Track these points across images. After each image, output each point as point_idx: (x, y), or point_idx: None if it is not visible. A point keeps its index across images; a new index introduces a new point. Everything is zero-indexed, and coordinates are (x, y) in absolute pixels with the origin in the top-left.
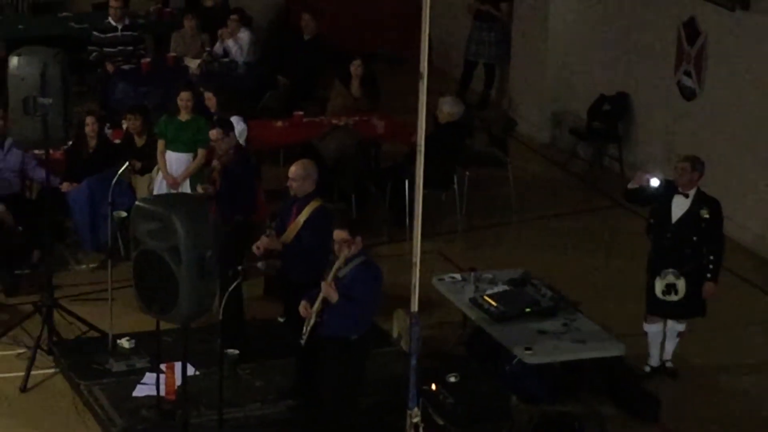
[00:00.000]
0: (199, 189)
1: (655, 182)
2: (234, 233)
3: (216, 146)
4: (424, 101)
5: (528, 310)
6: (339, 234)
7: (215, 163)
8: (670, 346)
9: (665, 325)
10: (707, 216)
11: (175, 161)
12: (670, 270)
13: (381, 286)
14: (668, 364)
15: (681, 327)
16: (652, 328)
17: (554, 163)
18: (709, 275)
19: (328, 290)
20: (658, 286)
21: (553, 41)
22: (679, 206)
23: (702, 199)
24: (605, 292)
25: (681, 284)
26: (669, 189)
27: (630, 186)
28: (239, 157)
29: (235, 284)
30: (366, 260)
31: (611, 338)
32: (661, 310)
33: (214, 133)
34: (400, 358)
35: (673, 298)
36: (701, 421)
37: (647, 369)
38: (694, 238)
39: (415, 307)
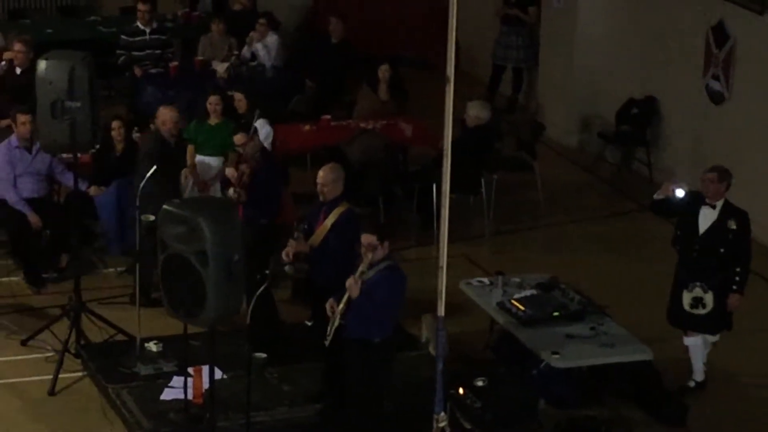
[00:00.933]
0: (231, 193)
1: (680, 193)
2: (259, 237)
3: (241, 151)
4: (451, 105)
5: (556, 314)
6: (367, 238)
7: (244, 166)
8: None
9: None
10: (734, 228)
11: (205, 165)
12: (698, 283)
13: (404, 292)
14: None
15: (714, 338)
16: (692, 341)
17: (582, 167)
18: (734, 287)
19: (351, 285)
20: (686, 299)
21: (581, 45)
22: (706, 218)
23: (729, 211)
24: (633, 296)
25: (708, 298)
26: (696, 200)
27: (656, 196)
28: (265, 161)
29: (262, 288)
30: (391, 265)
31: (639, 342)
32: (687, 324)
33: (238, 138)
34: (427, 362)
35: (701, 311)
36: (728, 427)
37: (691, 384)
38: (721, 250)
39: (441, 311)
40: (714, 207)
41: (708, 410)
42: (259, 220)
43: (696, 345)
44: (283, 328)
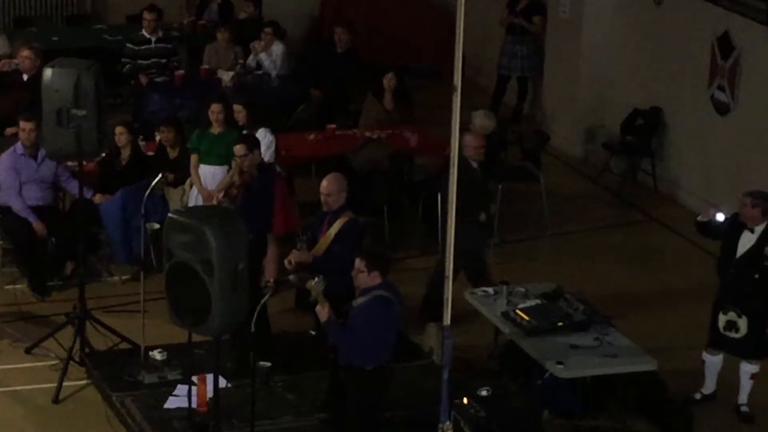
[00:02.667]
0: (216, 199)
1: (720, 217)
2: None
3: (240, 162)
4: (458, 114)
5: (560, 324)
6: (357, 263)
7: (236, 177)
8: (744, 390)
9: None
10: None
11: (210, 175)
12: (734, 307)
13: (389, 323)
14: (743, 409)
15: (754, 368)
16: (711, 359)
17: (587, 177)
18: None
19: (319, 311)
20: (721, 322)
21: (587, 55)
22: (745, 242)
23: None
24: (638, 306)
25: (742, 323)
26: (738, 223)
27: (699, 219)
28: (261, 174)
29: (266, 298)
30: (380, 296)
31: (643, 353)
32: (721, 345)
33: (238, 149)
34: (431, 372)
35: (734, 335)
36: None
37: (698, 396)
38: (756, 276)
39: (447, 320)
40: (753, 231)
41: (714, 421)
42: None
43: (714, 362)
44: (278, 338)
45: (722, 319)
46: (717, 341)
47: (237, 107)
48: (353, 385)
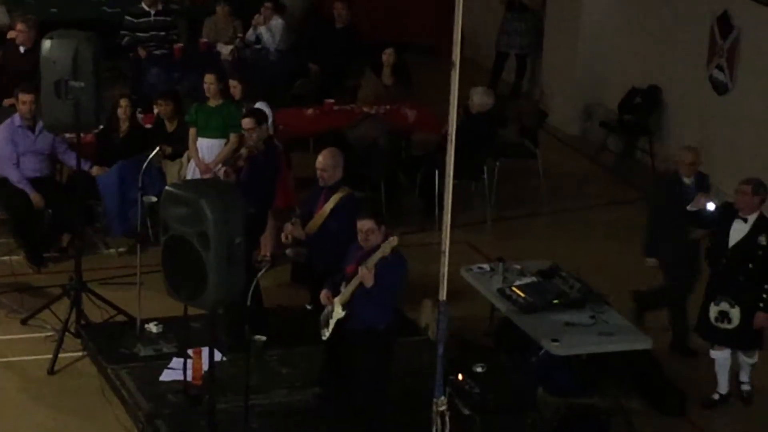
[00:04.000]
0: (225, 172)
1: (711, 206)
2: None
3: (247, 136)
4: (456, 90)
5: (556, 301)
6: (365, 224)
7: (243, 150)
8: (744, 372)
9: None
10: (765, 243)
11: (207, 147)
12: (725, 297)
13: (406, 277)
14: (744, 387)
15: (752, 360)
16: (719, 355)
17: (584, 155)
18: (762, 305)
19: (365, 274)
20: (712, 313)
21: (586, 33)
22: (737, 231)
23: (763, 225)
24: (634, 285)
25: (735, 313)
26: (729, 212)
27: (689, 208)
28: (266, 149)
29: (262, 272)
30: (393, 251)
31: (639, 332)
32: (713, 337)
33: (246, 122)
34: (426, 348)
35: (726, 326)
36: (727, 417)
37: (716, 396)
38: (750, 266)
39: (443, 295)
40: (746, 221)
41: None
42: (247, 209)
43: (722, 359)
44: (271, 312)
45: (714, 310)
46: (707, 333)
47: (232, 82)
48: (365, 348)
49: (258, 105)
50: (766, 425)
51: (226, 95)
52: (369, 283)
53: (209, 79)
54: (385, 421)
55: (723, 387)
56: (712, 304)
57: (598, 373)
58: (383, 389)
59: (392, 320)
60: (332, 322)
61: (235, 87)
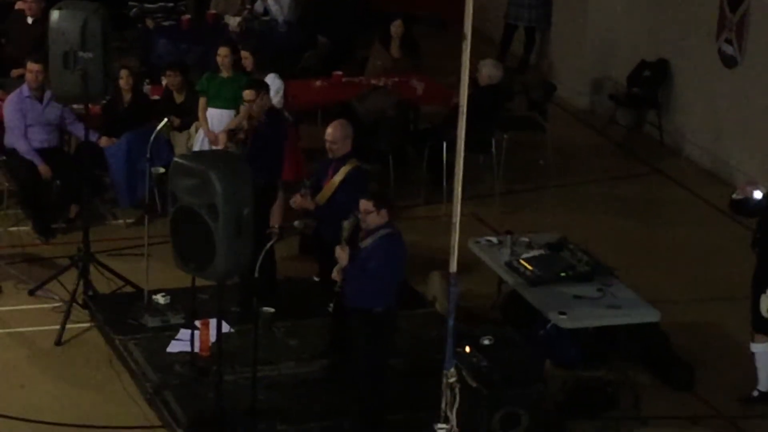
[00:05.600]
0: (223, 143)
1: (758, 194)
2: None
3: (248, 107)
4: (468, 62)
5: (564, 274)
6: (363, 204)
7: (243, 122)
8: None
9: None
10: None
11: (217, 118)
12: None
13: (402, 262)
14: None
15: None
16: (759, 348)
17: (593, 128)
18: None
19: (339, 253)
20: (763, 304)
21: (594, 6)
22: None
23: None
24: (642, 258)
25: None
26: None
27: (734, 197)
28: (271, 120)
29: (272, 242)
30: (389, 234)
31: (646, 305)
32: (766, 329)
33: (247, 93)
34: (434, 321)
35: None
36: (736, 392)
37: (755, 393)
38: None
39: (454, 267)
40: None
41: (716, 373)
42: (255, 180)
43: (763, 353)
44: (282, 284)
45: (765, 301)
46: (761, 325)
47: (244, 53)
48: (362, 329)
49: (269, 77)
50: None
51: (237, 67)
52: (343, 261)
53: (223, 51)
54: (383, 400)
55: (764, 384)
56: (763, 296)
57: (606, 346)
58: (380, 368)
59: (390, 303)
60: (334, 297)
61: (246, 58)
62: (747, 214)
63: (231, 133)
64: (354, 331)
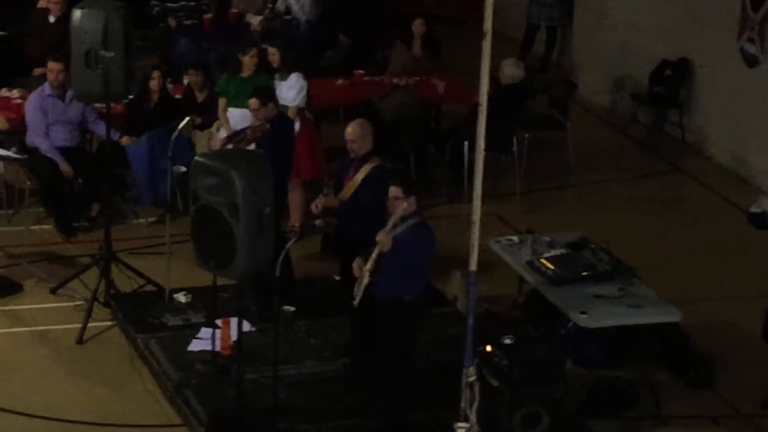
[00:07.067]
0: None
1: None
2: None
3: (253, 115)
4: (488, 60)
5: (585, 274)
6: (393, 191)
7: (248, 131)
8: None
9: None
10: None
11: (239, 117)
12: None
13: (433, 251)
14: None
15: None
16: None
17: (614, 127)
18: None
19: (382, 239)
20: None
21: (616, 5)
22: None
23: None
24: (663, 258)
25: None
26: None
27: (752, 210)
28: (275, 128)
29: (292, 242)
30: (419, 222)
31: (667, 304)
32: None
33: (252, 102)
34: (455, 319)
35: None
36: (757, 392)
37: None
38: None
39: (474, 266)
40: None
41: (737, 372)
42: None
43: None
44: (301, 283)
45: None
46: None
47: (272, 50)
48: (389, 319)
49: (293, 76)
50: None
51: (257, 66)
52: (386, 247)
53: (254, 52)
54: (409, 393)
55: None
56: None
57: (627, 345)
58: (406, 361)
59: (419, 292)
60: (361, 289)
61: (274, 54)
62: (765, 227)
63: (227, 140)
64: (381, 321)
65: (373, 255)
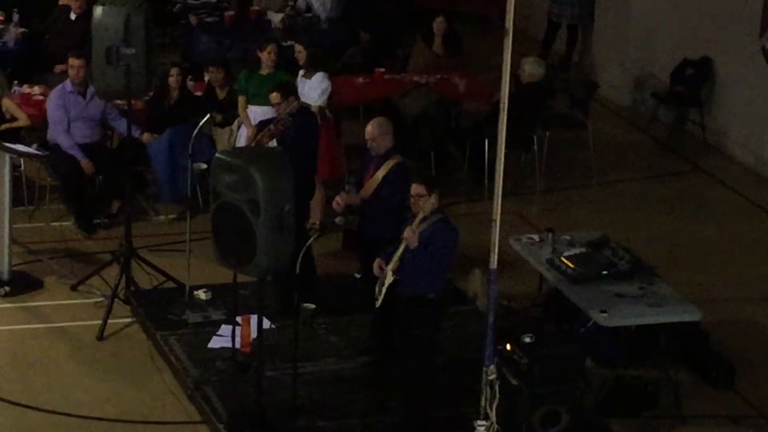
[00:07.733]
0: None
1: None
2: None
3: (275, 109)
4: (509, 57)
5: (605, 272)
6: (415, 188)
7: (271, 126)
8: None
9: None
10: None
11: (260, 115)
12: None
13: (457, 247)
14: None
15: None
16: None
17: (635, 126)
18: None
19: (410, 235)
20: None
21: (638, 3)
22: None
23: None
24: (684, 257)
25: None
26: None
27: None
28: (298, 122)
29: (311, 239)
30: (444, 219)
31: (687, 303)
32: None
33: (273, 96)
34: (475, 318)
35: None
36: None
37: None
38: None
39: (494, 264)
40: None
41: (757, 371)
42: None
43: None
44: (322, 280)
45: None
46: None
47: (298, 47)
48: (413, 316)
49: (317, 76)
50: None
51: (278, 64)
52: (413, 243)
53: (273, 48)
54: (432, 390)
55: None
56: None
57: (647, 344)
58: (428, 358)
59: (442, 290)
60: (384, 289)
61: (300, 52)
62: None
63: (261, 126)
64: (404, 318)
65: (398, 253)
